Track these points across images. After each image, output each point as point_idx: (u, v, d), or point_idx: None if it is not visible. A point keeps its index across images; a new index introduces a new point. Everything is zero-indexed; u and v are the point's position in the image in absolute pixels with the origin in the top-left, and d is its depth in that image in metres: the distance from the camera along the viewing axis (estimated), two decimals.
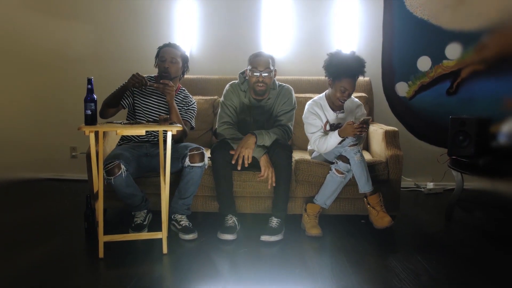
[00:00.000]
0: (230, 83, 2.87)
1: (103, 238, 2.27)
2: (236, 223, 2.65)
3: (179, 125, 2.44)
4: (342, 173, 2.63)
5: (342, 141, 2.67)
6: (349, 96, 2.77)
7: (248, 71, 2.76)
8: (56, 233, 2.67)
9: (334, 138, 2.67)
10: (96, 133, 2.27)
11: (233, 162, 2.61)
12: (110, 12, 3.80)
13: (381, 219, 2.61)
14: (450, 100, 3.49)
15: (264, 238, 2.53)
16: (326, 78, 2.79)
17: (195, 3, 3.74)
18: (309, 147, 3.01)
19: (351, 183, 2.70)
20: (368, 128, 2.95)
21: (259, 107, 2.81)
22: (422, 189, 3.74)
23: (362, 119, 2.62)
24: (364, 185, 2.62)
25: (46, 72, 3.89)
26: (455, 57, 3.48)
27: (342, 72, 2.68)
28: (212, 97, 3.45)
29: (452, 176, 3.05)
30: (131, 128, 2.29)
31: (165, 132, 2.35)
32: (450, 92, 3.49)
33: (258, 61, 2.73)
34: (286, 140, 2.77)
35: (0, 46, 3.81)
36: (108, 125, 2.38)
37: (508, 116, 2.91)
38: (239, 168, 2.60)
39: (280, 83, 2.89)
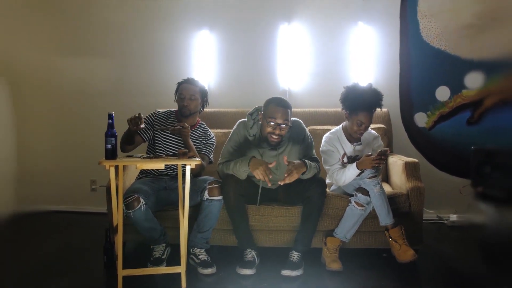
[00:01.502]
0: (240, 121, 2.74)
1: (122, 272, 2.26)
2: (255, 257, 2.60)
3: (198, 159, 2.46)
4: (362, 206, 2.59)
5: (360, 173, 2.64)
6: (366, 129, 2.75)
7: (262, 117, 2.56)
8: (75, 266, 2.68)
9: (352, 171, 2.64)
10: (116, 167, 2.30)
11: (270, 166, 2.46)
12: (129, 47, 3.91)
13: (404, 252, 2.54)
14: (471, 130, 3.43)
15: (285, 272, 2.48)
16: (343, 111, 2.80)
17: (212, 38, 3.82)
18: (327, 181, 2.98)
19: (372, 216, 2.65)
20: (387, 159, 2.91)
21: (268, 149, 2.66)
22: (445, 222, 3.64)
23: (379, 150, 2.60)
24: (385, 218, 2.58)
25: (68, 107, 3.99)
26: (476, 86, 3.44)
27: (359, 105, 2.68)
28: (229, 130, 3.46)
29: (477, 208, 2.96)
30: (150, 162, 2.32)
31: (184, 165, 2.37)
32: (471, 122, 3.43)
33: (278, 112, 2.49)
34: (318, 175, 2.69)
35: (22, 83, 3.94)
36: (128, 159, 2.41)
37: None
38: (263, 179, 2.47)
39: None
